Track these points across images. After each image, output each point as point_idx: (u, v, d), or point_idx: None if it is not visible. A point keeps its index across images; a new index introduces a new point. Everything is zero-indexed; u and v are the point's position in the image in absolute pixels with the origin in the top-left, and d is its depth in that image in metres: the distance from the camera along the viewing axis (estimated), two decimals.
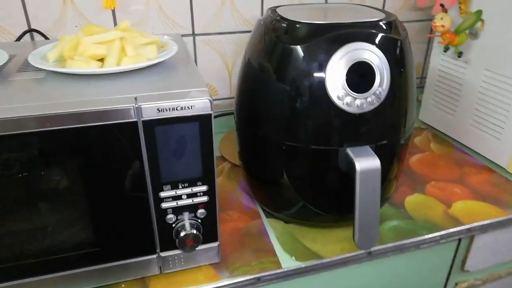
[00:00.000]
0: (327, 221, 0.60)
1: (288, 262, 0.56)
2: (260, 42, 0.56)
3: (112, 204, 0.46)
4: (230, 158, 0.80)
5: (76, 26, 0.79)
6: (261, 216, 0.65)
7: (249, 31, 0.90)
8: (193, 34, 0.87)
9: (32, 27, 0.77)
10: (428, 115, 0.92)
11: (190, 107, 0.43)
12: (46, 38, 0.77)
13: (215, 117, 0.91)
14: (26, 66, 0.52)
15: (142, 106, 0.42)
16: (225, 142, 0.86)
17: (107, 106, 0.41)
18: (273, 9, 0.59)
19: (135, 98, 0.42)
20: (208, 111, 0.44)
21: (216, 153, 0.83)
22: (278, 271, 0.55)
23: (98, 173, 0.44)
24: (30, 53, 0.51)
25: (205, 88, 0.45)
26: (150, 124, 0.43)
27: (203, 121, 0.44)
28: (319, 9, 0.63)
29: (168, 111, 0.42)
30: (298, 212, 0.60)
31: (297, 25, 0.51)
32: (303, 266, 0.55)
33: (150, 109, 0.42)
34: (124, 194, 0.46)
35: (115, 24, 0.82)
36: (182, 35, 0.86)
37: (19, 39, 0.75)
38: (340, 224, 0.61)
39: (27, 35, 0.77)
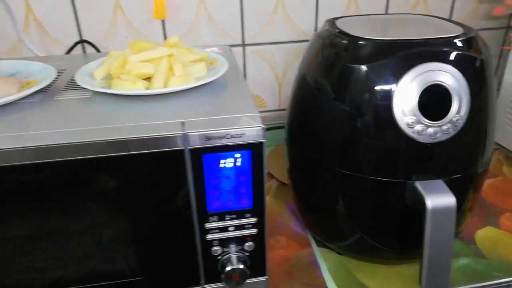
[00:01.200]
0: (387, 257, 0.54)
1: None
2: (316, 57, 0.51)
3: (155, 233, 0.43)
4: (278, 175, 0.76)
5: (126, 37, 0.78)
6: (311, 244, 0.60)
7: (301, 41, 0.85)
8: (243, 44, 0.83)
9: (83, 38, 0.77)
10: (501, 134, 0.82)
11: (240, 135, 0.39)
12: (97, 49, 0.77)
13: None
14: (73, 83, 0.50)
15: (189, 133, 0.38)
16: (272, 157, 0.82)
17: (153, 132, 0.38)
18: (332, 21, 0.54)
19: (182, 123, 0.39)
20: (260, 139, 0.40)
21: None
22: None
23: (142, 202, 0.41)
24: (78, 70, 0.49)
25: (257, 114, 0.41)
26: (197, 152, 0.39)
27: (254, 150, 0.40)
28: (381, 21, 0.57)
29: (217, 138, 0.39)
30: (354, 245, 0.54)
31: (360, 42, 0.45)
32: None
33: (198, 137, 0.38)
34: (168, 223, 0.43)
35: (165, 34, 0.80)
36: (232, 45, 0.83)
37: (70, 50, 0.75)
38: (403, 259, 0.55)
39: (79, 46, 0.77)
